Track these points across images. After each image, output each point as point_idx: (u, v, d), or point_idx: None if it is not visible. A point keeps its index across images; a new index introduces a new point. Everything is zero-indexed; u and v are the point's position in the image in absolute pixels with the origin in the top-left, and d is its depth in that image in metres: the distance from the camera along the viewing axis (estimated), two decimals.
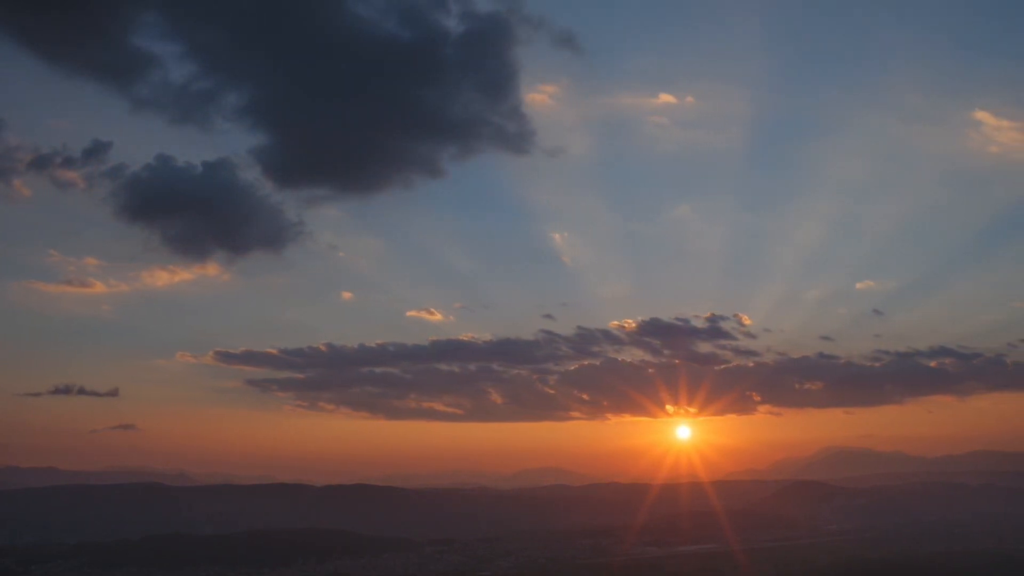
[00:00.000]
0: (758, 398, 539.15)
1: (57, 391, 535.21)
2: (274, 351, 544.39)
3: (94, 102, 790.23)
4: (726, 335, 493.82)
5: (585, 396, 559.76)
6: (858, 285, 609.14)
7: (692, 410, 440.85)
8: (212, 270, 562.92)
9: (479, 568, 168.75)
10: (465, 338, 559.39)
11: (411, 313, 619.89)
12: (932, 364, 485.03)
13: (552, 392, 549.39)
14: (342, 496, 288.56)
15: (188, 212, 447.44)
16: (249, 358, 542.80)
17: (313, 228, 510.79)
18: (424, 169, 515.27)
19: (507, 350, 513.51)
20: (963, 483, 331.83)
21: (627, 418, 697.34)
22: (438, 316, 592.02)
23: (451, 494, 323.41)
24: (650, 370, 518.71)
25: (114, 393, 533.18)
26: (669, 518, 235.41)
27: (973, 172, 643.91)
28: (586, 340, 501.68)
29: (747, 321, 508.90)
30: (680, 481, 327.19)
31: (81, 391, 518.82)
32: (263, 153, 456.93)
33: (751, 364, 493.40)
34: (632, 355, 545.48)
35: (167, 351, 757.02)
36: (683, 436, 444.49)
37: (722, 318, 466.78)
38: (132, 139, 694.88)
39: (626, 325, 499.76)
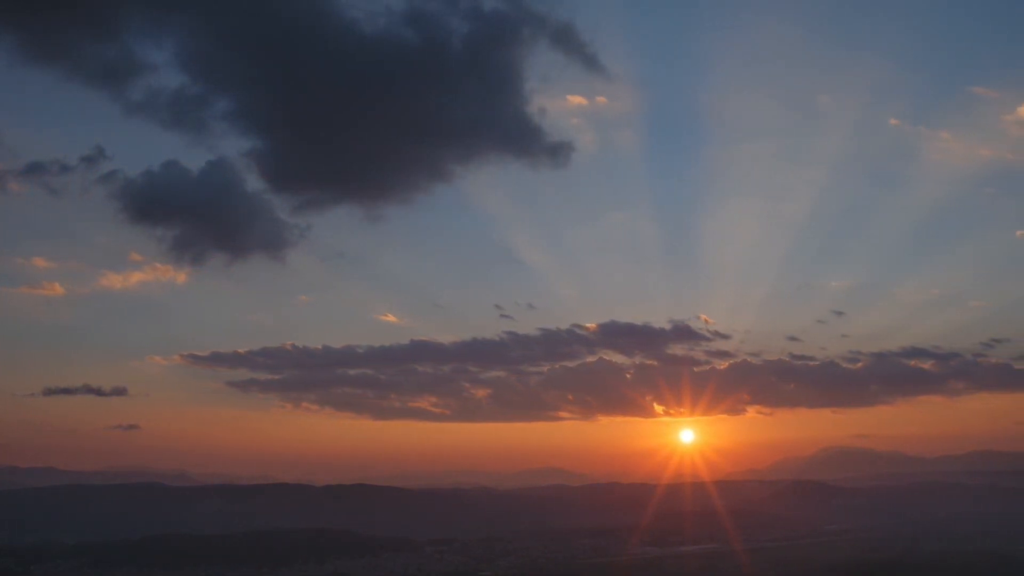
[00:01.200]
0: (747, 398, 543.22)
1: (57, 391, 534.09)
2: (242, 351, 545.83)
3: (84, 107, 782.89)
4: (697, 337, 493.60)
5: (570, 397, 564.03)
6: (809, 285, 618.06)
7: (682, 411, 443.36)
8: (166, 272, 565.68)
9: (479, 568, 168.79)
10: (427, 339, 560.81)
11: (369, 316, 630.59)
12: (911, 364, 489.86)
13: (536, 393, 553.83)
14: (342, 496, 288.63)
15: (171, 217, 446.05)
16: (218, 359, 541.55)
17: (280, 232, 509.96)
18: (421, 175, 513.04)
19: (476, 351, 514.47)
20: (962, 483, 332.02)
21: (618, 419, 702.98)
22: (392, 318, 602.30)
23: (451, 494, 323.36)
24: (628, 373, 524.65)
25: (122, 392, 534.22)
26: (669, 518, 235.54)
27: (894, 175, 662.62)
28: (557, 342, 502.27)
29: (709, 322, 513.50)
30: (679, 481, 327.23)
31: (86, 390, 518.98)
32: (250, 157, 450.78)
33: (726, 365, 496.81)
34: (606, 357, 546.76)
35: (138, 353, 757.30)
36: (677, 437, 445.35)
37: (687, 320, 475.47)
38: (118, 144, 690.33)
39: (588, 327, 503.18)
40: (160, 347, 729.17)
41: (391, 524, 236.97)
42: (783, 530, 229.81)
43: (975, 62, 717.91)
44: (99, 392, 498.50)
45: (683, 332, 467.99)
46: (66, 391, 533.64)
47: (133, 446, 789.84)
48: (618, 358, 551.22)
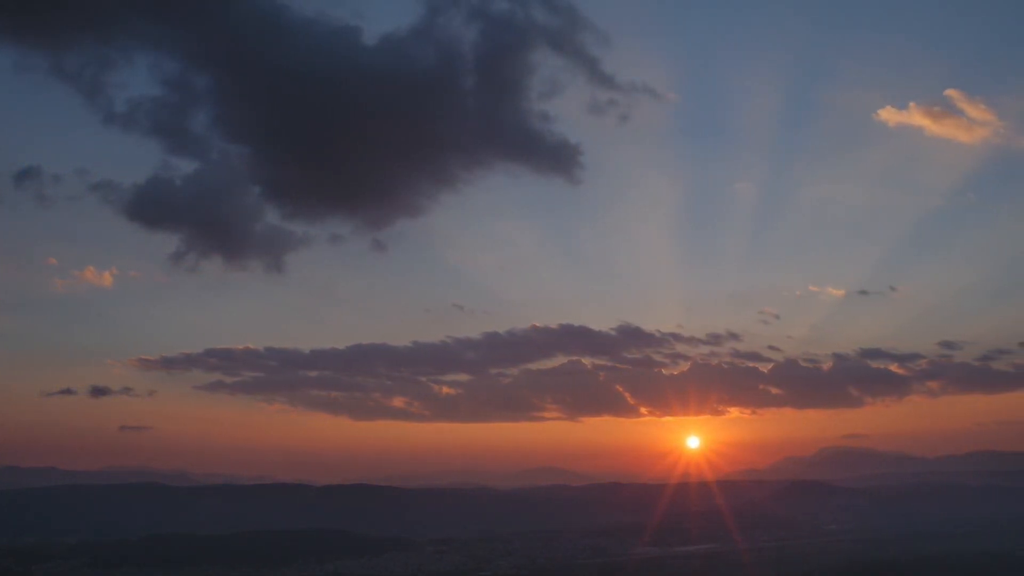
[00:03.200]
0: (726, 399, 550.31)
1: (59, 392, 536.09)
2: (190, 352, 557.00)
3: (69, 113, 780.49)
4: (647, 337, 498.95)
5: (549, 398, 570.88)
6: (730, 289, 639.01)
7: (667, 411, 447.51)
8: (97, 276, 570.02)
9: (479, 568, 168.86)
10: (370, 342, 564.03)
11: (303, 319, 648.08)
12: (876, 365, 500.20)
13: (512, 394, 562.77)
14: (341, 496, 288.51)
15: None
16: (169, 363, 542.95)
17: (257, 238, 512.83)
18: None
19: (427, 354, 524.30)
20: (963, 483, 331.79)
21: (603, 419, 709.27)
22: (323, 322, 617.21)
23: (451, 494, 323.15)
24: (601, 374, 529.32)
25: (127, 391, 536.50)
26: (670, 518, 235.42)
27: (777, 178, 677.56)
28: (500, 344, 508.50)
29: (646, 325, 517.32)
30: (679, 481, 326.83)
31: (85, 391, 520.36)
32: (239, 161, 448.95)
33: (688, 366, 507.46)
34: (570, 359, 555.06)
35: (97, 355, 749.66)
36: (668, 437, 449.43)
37: (627, 323, 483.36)
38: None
39: (534, 326, 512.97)
40: (115, 350, 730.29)
41: (391, 524, 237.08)
42: (783, 530, 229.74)
43: (836, 66, 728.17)
44: (103, 392, 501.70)
45: (634, 335, 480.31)
46: (66, 392, 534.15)
47: (126, 444, 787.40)
48: (579, 360, 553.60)
